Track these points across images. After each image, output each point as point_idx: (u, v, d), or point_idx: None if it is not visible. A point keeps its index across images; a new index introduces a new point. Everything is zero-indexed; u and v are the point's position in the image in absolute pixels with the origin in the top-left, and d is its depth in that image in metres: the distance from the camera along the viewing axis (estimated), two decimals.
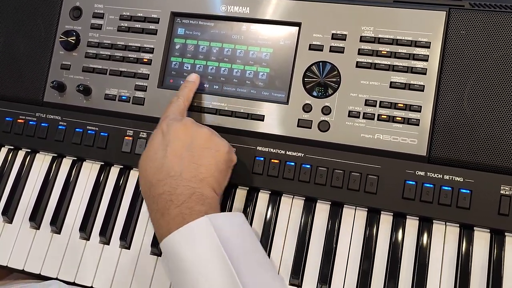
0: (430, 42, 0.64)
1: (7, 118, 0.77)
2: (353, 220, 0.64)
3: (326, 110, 0.66)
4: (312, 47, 0.68)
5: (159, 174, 0.56)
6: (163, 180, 0.56)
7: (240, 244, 0.53)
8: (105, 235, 0.69)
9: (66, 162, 0.75)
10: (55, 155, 0.76)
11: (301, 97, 0.67)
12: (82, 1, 0.77)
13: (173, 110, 0.64)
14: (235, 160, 0.63)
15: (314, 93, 0.67)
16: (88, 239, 0.70)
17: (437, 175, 0.62)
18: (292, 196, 0.66)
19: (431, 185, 0.61)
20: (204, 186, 0.56)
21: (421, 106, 0.63)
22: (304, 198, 0.66)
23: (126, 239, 0.68)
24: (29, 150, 0.77)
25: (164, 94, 0.72)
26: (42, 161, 0.77)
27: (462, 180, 0.61)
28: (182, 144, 0.58)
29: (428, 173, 0.62)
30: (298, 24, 0.69)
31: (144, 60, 0.73)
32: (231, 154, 0.62)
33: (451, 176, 0.61)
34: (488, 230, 0.60)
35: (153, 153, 0.59)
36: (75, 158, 0.75)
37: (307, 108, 0.67)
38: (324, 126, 0.66)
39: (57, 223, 0.71)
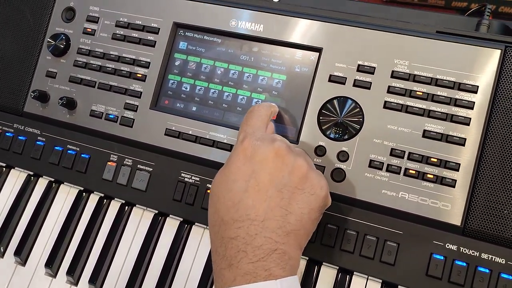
0: (477, 86, 0.52)
1: None
2: None
3: (343, 156, 0.55)
4: (332, 79, 0.57)
5: (234, 211, 0.44)
6: (238, 221, 0.44)
7: None
8: (73, 275, 0.59)
9: (42, 182, 0.66)
10: (31, 173, 0.67)
11: (314, 137, 0.56)
12: (76, 1, 0.68)
13: (257, 123, 0.50)
14: (329, 204, 0.50)
15: (330, 134, 0.56)
16: (54, 276, 0.61)
17: (473, 252, 0.50)
18: None
19: (464, 264, 0.50)
20: (289, 242, 0.44)
21: (459, 164, 0.52)
22: (307, 259, 0.55)
23: (96, 283, 0.58)
24: (3, 165, 0.68)
25: (156, 117, 0.62)
26: (16, 177, 0.68)
27: (504, 262, 0.49)
28: (269, 177, 0.45)
29: (462, 248, 0.50)
30: (318, 50, 0.58)
31: (138, 75, 0.63)
32: (328, 198, 0.48)
33: (490, 256, 0.49)
34: None
35: (231, 180, 0.46)
36: (52, 180, 0.66)
37: (320, 151, 0.56)
38: (338, 175, 0.55)
39: (22, 254, 0.62)
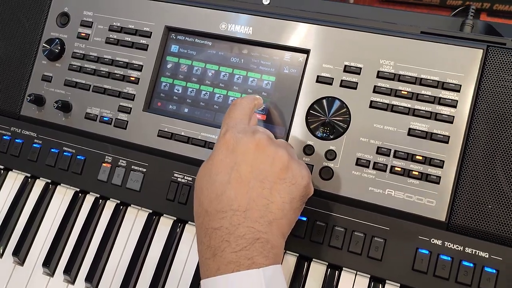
0: (460, 85, 0.54)
1: None
2: (352, 287, 0.54)
3: (330, 155, 0.56)
4: (320, 80, 0.58)
5: (217, 202, 0.45)
6: (221, 212, 0.45)
7: None
8: (70, 274, 0.61)
9: (39, 184, 0.68)
10: (28, 175, 0.68)
11: (302, 137, 0.58)
12: (71, 6, 0.69)
13: (239, 115, 0.51)
14: (311, 193, 0.51)
15: (318, 134, 0.57)
16: (52, 275, 0.62)
17: (457, 247, 0.51)
18: (284, 252, 0.57)
19: (449, 258, 0.51)
20: (272, 231, 0.45)
21: (443, 161, 0.53)
22: (298, 256, 0.56)
23: (92, 282, 0.60)
24: (1, 167, 0.70)
25: (149, 119, 0.63)
26: (14, 179, 0.69)
27: (487, 256, 0.50)
28: (251, 169, 0.46)
29: (446, 243, 0.52)
30: (306, 51, 0.59)
31: (131, 78, 0.65)
32: (309, 187, 0.49)
33: (474, 250, 0.51)
34: None
35: (214, 173, 0.47)
36: (49, 181, 0.67)
37: (308, 150, 0.57)
38: (326, 174, 0.56)
39: (20, 254, 0.63)
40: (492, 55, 0.53)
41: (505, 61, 0.53)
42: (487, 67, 0.53)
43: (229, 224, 0.44)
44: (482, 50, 0.54)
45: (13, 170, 0.69)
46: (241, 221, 0.44)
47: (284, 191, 0.46)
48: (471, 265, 0.50)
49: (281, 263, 0.47)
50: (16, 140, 0.68)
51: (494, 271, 0.50)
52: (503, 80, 0.52)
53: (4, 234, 0.65)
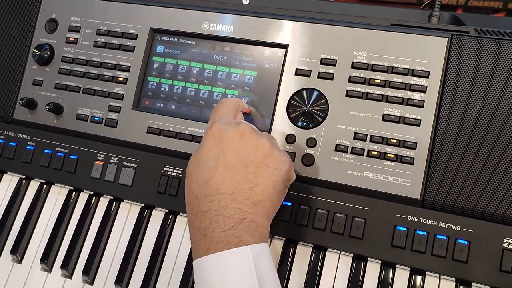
0: (429, 72, 0.57)
1: None
2: (337, 266, 0.58)
3: (311, 143, 0.60)
4: (298, 72, 0.61)
5: (206, 188, 0.49)
6: (210, 196, 0.48)
7: (272, 282, 0.47)
8: (67, 268, 0.63)
9: (34, 185, 0.70)
10: (23, 177, 0.71)
11: (284, 127, 0.61)
12: (58, 13, 0.72)
13: (225, 111, 0.55)
14: (293, 179, 0.55)
15: (299, 123, 0.61)
16: (49, 271, 0.65)
17: (432, 222, 0.55)
18: (271, 236, 0.60)
19: (424, 233, 0.55)
20: (257, 212, 0.49)
21: (416, 143, 0.57)
22: (284, 239, 0.60)
23: (89, 274, 0.62)
24: None
25: (138, 117, 0.66)
26: (9, 182, 0.72)
27: (459, 229, 0.54)
28: (236, 155, 0.50)
29: (422, 219, 0.55)
30: (285, 46, 0.63)
31: (120, 78, 0.68)
32: (291, 172, 0.53)
33: (447, 224, 0.54)
34: None
35: (202, 161, 0.50)
36: (43, 181, 0.70)
37: (290, 139, 0.60)
38: (308, 160, 0.59)
39: (18, 252, 0.66)
40: (457, 42, 0.57)
41: (468, 48, 0.57)
42: (452, 54, 0.57)
43: (217, 207, 0.48)
44: (447, 39, 0.58)
45: (8, 172, 0.72)
46: (228, 203, 0.48)
47: (267, 175, 0.50)
48: (445, 238, 0.54)
49: (269, 245, 0.50)
50: (10, 143, 0.71)
51: (466, 242, 0.53)
52: (466, 65, 0.56)
53: (2, 234, 0.67)
